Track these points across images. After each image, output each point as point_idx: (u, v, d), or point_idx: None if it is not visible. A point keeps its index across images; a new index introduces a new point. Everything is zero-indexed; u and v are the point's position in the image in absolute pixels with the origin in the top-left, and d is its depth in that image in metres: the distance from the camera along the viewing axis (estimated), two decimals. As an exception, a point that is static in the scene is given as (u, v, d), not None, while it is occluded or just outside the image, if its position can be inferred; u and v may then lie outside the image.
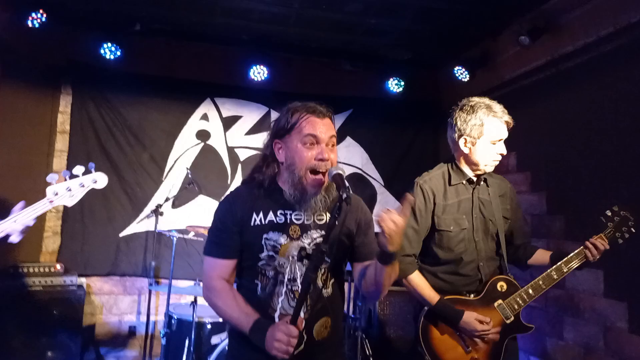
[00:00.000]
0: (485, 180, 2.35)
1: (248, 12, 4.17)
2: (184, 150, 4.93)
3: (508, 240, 2.39)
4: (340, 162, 1.82)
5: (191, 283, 4.00)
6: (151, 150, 4.82)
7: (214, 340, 3.34)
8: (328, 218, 1.75)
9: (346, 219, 1.76)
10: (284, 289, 1.69)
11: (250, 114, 5.12)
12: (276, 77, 4.79)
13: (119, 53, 4.40)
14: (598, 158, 3.38)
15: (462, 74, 4.57)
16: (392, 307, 4.03)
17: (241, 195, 1.81)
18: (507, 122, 2.24)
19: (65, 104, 4.71)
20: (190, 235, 3.80)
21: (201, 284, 1.86)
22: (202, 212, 4.81)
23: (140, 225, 4.74)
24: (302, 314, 1.58)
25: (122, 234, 4.69)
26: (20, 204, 1.79)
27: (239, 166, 5.07)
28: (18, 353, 3.57)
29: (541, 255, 2.38)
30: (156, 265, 4.59)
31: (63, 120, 4.69)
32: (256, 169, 1.83)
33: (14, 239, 1.78)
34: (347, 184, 1.58)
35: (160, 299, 4.72)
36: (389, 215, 1.48)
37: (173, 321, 3.53)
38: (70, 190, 1.82)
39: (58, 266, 4.08)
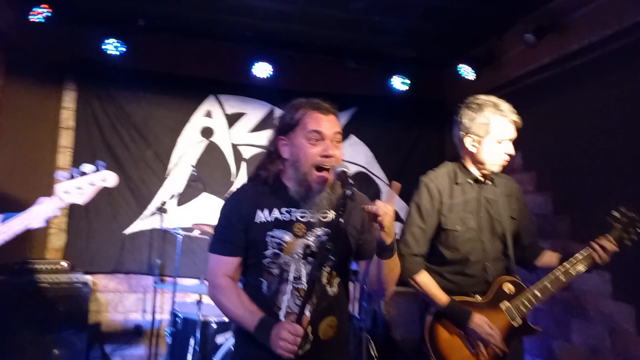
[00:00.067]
0: (492, 180, 2.31)
1: (252, 9, 4.16)
2: (187, 148, 4.93)
3: (515, 240, 2.34)
4: (344, 160, 1.81)
5: (196, 281, 4.00)
6: (155, 147, 4.82)
7: (219, 339, 3.34)
8: (333, 216, 1.75)
9: (351, 217, 1.76)
10: (290, 287, 1.68)
11: (254, 112, 5.12)
12: (280, 75, 4.77)
13: (123, 49, 4.38)
14: (604, 157, 3.36)
15: (467, 72, 4.54)
16: (398, 307, 4.01)
17: (247, 193, 1.80)
18: (514, 122, 2.20)
19: (69, 100, 4.72)
20: (196, 233, 3.80)
21: (206, 282, 1.85)
22: (205, 210, 4.82)
23: (145, 222, 4.74)
24: (307, 313, 1.57)
25: (126, 232, 4.69)
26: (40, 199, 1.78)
27: (243, 164, 5.06)
28: (24, 350, 3.57)
29: (549, 257, 2.35)
30: (161, 263, 4.59)
31: (67, 116, 4.70)
32: (261, 166, 1.82)
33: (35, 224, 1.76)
34: (351, 181, 1.57)
35: (166, 297, 4.71)
36: (377, 205, 1.51)
37: (178, 320, 3.53)
38: (80, 189, 1.82)
39: (64, 263, 4.08)
